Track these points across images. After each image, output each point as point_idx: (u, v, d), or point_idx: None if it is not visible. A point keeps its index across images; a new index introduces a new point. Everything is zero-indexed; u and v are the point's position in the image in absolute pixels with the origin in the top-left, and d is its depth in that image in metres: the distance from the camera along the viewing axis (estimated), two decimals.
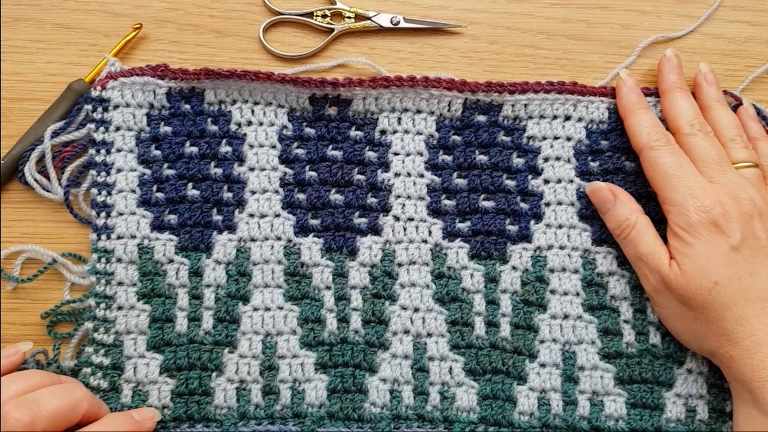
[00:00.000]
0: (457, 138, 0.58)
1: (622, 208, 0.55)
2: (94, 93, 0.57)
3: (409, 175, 0.57)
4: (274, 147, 0.57)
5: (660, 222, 0.56)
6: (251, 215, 0.56)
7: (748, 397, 0.50)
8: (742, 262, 0.51)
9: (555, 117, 0.58)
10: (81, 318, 0.55)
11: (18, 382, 0.47)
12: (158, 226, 0.56)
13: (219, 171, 0.57)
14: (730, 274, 0.50)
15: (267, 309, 0.55)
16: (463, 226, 0.57)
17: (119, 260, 0.55)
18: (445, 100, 0.58)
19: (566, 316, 0.55)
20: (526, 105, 0.58)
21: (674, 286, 0.51)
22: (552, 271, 0.56)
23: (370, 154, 0.57)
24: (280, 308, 0.55)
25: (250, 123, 0.58)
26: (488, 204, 0.57)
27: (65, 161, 0.57)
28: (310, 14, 0.62)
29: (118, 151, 0.57)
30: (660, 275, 0.52)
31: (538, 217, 0.57)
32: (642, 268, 0.54)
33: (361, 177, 0.57)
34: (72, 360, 0.55)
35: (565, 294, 0.56)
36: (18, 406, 0.44)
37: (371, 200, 0.57)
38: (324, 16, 0.62)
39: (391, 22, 0.62)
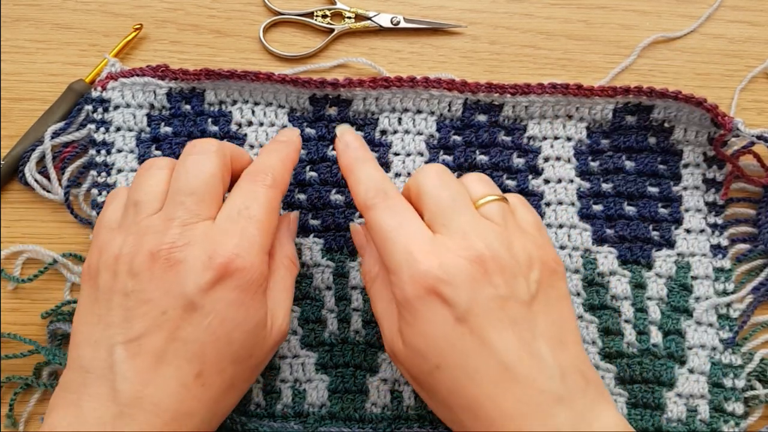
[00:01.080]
0: (458, 138, 0.58)
1: (368, 258, 0.49)
2: (95, 93, 0.57)
3: (409, 175, 0.57)
4: None
5: (655, 221, 0.57)
6: None
7: None
8: (470, 336, 0.41)
9: (556, 117, 0.58)
10: None
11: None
12: None
13: None
14: (453, 354, 0.41)
15: None
16: None
17: None
18: (446, 101, 0.58)
19: None
20: (527, 106, 0.58)
21: (399, 361, 0.45)
22: None
23: None
24: None
25: (250, 123, 0.58)
26: None
27: (65, 162, 0.57)
28: (310, 14, 0.62)
29: (119, 151, 0.57)
30: (388, 343, 0.45)
31: None
32: (380, 328, 0.47)
33: None
34: None
35: None
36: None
37: None
38: (324, 16, 0.62)
39: (391, 22, 0.62)
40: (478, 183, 0.47)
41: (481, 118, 0.58)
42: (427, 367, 0.42)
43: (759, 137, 0.56)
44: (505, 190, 0.57)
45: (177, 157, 0.55)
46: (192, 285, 0.41)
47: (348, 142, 0.50)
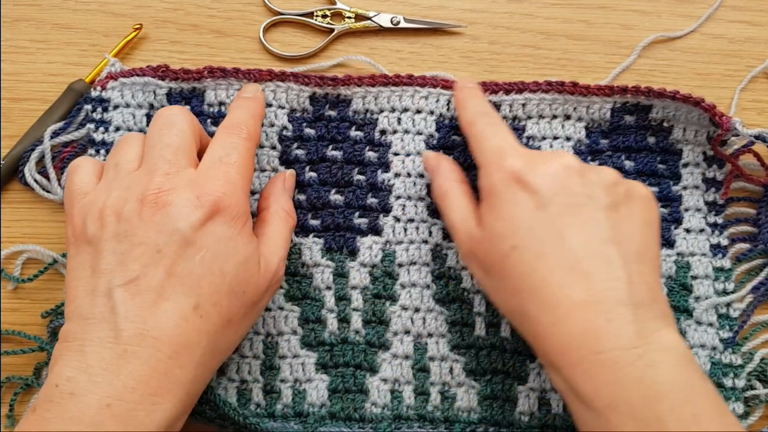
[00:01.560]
0: (457, 138, 0.58)
1: (439, 178, 0.53)
2: (94, 93, 0.57)
3: (409, 175, 0.57)
4: (274, 148, 0.57)
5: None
6: (252, 215, 0.56)
7: (564, 387, 0.44)
8: (547, 223, 0.45)
9: (554, 117, 0.58)
10: None
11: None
12: None
13: None
14: (530, 237, 0.44)
15: (268, 309, 0.55)
16: None
17: None
18: (444, 99, 0.58)
19: None
20: (524, 105, 0.58)
21: (473, 250, 0.48)
22: None
23: (370, 155, 0.57)
24: (281, 308, 0.55)
25: None
26: None
27: (65, 161, 0.57)
28: (310, 14, 0.62)
29: None
30: (464, 240, 0.49)
31: None
32: (452, 235, 0.51)
33: (361, 177, 0.57)
34: None
35: None
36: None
37: (371, 200, 0.57)
38: (324, 16, 0.62)
39: (391, 22, 0.62)
40: None
41: None
42: (504, 248, 0.45)
43: (757, 137, 0.56)
44: None
45: None
46: (184, 222, 0.44)
47: (465, 83, 0.56)
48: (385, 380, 0.54)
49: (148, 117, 0.57)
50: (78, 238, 0.46)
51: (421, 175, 0.57)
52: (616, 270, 0.43)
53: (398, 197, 0.57)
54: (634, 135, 0.58)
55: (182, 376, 0.43)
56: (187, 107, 0.56)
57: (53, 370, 0.43)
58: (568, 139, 0.58)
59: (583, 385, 0.42)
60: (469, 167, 0.57)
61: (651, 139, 0.58)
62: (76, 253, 0.46)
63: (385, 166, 0.57)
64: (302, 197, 0.57)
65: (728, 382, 0.54)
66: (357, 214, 0.56)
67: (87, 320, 0.43)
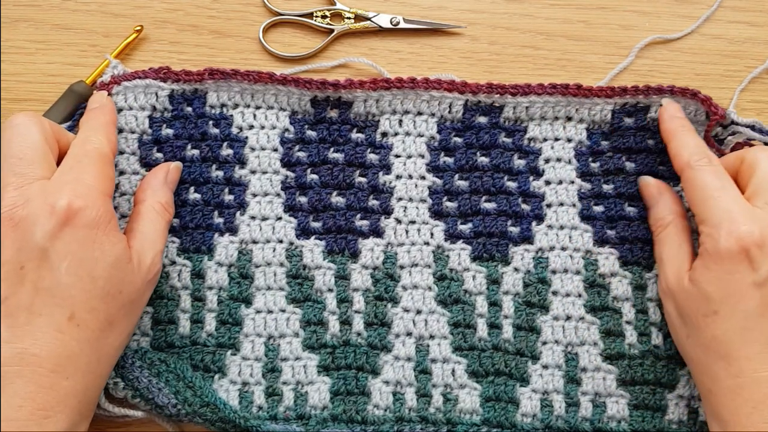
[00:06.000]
0: (459, 140, 0.58)
1: (662, 208, 0.55)
2: None
3: (410, 177, 0.57)
4: (275, 150, 0.57)
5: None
6: (252, 217, 0.56)
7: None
8: (757, 301, 0.47)
9: (556, 118, 0.58)
10: None
11: None
12: None
13: (220, 174, 0.57)
14: (736, 309, 0.47)
15: (269, 311, 0.55)
16: (465, 227, 0.57)
17: None
18: (446, 102, 0.58)
19: (568, 318, 0.55)
20: (527, 107, 0.58)
21: (676, 296, 0.51)
22: (554, 272, 0.56)
23: (372, 157, 0.57)
24: (283, 311, 0.55)
25: (251, 126, 0.57)
26: (490, 206, 0.57)
27: None
28: (310, 15, 0.62)
29: (121, 153, 0.56)
30: (669, 281, 0.51)
31: (540, 219, 0.57)
32: (659, 268, 0.54)
33: (363, 179, 0.57)
34: None
35: (567, 295, 0.56)
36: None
37: (373, 202, 0.57)
38: (324, 16, 0.62)
39: (391, 22, 0.62)
40: None
41: (482, 119, 0.58)
42: (706, 310, 0.48)
43: (752, 127, 0.56)
44: (506, 191, 0.57)
45: (178, 160, 0.56)
46: (40, 234, 0.44)
47: (673, 113, 0.55)
48: (387, 382, 0.54)
49: (151, 119, 0.57)
50: None
51: (423, 177, 0.57)
52: None
53: (400, 199, 0.57)
54: (634, 136, 0.58)
55: (70, 387, 0.44)
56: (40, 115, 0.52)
57: None
58: (569, 140, 0.58)
59: None
60: (473, 168, 0.57)
61: (650, 141, 0.58)
62: None
63: (387, 168, 0.57)
64: (304, 199, 0.57)
65: None
66: (358, 216, 0.57)
67: None
